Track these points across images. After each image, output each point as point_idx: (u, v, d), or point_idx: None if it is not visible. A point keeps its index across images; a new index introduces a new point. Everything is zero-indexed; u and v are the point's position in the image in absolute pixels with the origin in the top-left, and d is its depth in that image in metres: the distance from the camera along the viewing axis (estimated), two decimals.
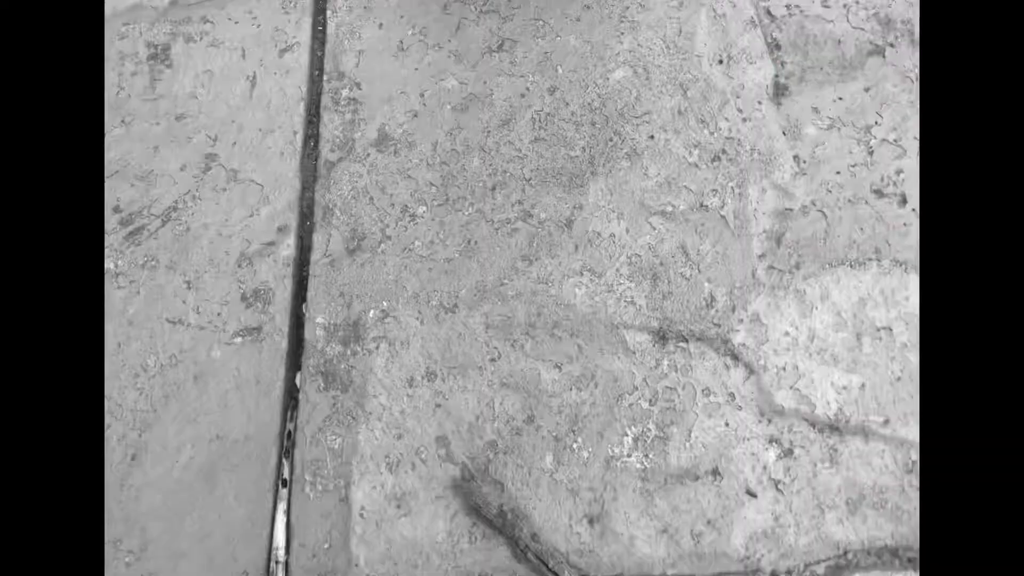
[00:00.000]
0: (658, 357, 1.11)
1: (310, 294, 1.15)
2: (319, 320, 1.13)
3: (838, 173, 1.24)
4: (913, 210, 1.21)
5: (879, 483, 1.04)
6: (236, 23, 1.35)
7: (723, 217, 1.20)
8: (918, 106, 1.29)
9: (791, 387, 1.09)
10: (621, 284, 1.15)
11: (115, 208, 1.20)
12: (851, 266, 1.17)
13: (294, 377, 1.10)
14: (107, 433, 1.05)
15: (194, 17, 1.36)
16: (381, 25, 1.35)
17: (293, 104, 1.29)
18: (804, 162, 1.25)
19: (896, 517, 1.03)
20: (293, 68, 1.31)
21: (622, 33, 1.34)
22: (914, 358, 1.11)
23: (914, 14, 1.38)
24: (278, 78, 1.31)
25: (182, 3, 1.38)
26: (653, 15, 1.35)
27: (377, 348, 1.11)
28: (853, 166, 1.24)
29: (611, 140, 1.26)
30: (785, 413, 1.08)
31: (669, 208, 1.21)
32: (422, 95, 1.29)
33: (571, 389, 1.09)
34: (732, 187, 1.22)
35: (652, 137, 1.26)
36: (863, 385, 1.09)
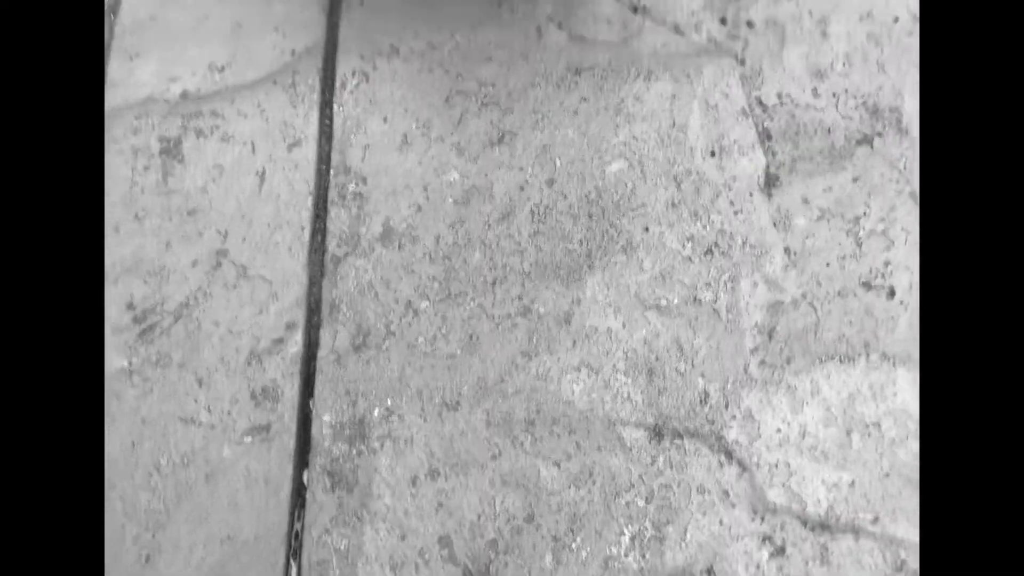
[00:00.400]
0: (654, 454, 1.15)
1: (317, 391, 1.19)
2: (326, 418, 1.17)
3: (828, 265, 1.28)
4: (901, 303, 1.25)
5: None
6: (245, 117, 1.41)
7: (716, 311, 1.24)
8: (907, 195, 1.33)
9: (783, 484, 1.13)
10: (618, 380, 1.19)
11: (129, 305, 1.25)
12: (840, 361, 1.21)
13: (302, 475, 1.13)
14: (121, 533, 1.09)
15: (204, 111, 1.41)
16: (386, 119, 1.40)
17: (301, 199, 1.33)
18: (794, 254, 1.29)
19: None
20: (301, 163, 1.36)
21: (618, 125, 1.38)
22: (902, 454, 1.14)
23: (901, 102, 1.43)
24: (287, 172, 1.36)
25: (192, 96, 1.43)
26: (647, 107, 1.40)
27: (382, 447, 1.15)
28: (842, 258, 1.29)
29: (607, 233, 1.30)
30: (777, 511, 1.11)
31: (664, 302, 1.25)
32: (425, 188, 1.34)
33: (570, 487, 1.13)
34: (725, 280, 1.26)
35: (647, 230, 1.30)
36: (852, 482, 1.13)
